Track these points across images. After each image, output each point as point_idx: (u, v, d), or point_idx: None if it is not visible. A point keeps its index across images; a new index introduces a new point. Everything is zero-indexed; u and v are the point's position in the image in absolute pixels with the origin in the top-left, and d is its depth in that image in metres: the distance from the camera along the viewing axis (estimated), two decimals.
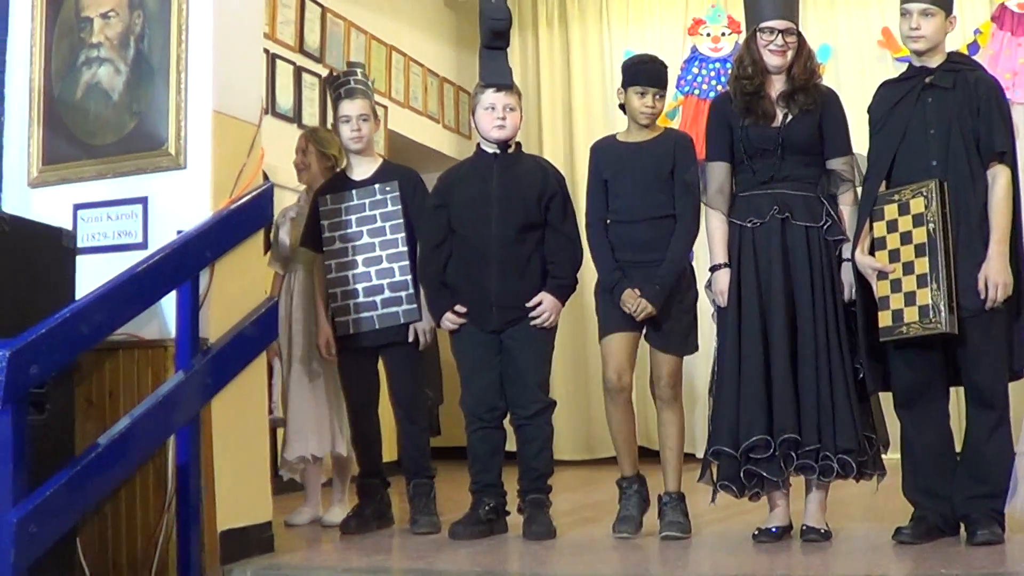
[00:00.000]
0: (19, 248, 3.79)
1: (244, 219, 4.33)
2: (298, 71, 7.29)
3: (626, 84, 4.99)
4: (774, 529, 4.41)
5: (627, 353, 4.83)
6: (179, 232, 4.10)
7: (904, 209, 4.20)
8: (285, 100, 7.14)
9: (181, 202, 4.24)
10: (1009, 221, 4.13)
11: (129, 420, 3.72)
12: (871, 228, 4.32)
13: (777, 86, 4.60)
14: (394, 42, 8.53)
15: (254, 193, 4.38)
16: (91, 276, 4.00)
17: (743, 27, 8.52)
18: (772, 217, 4.46)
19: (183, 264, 4.03)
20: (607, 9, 9.23)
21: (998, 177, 4.15)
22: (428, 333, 5.10)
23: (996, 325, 4.13)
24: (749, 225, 4.45)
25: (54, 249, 3.98)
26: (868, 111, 4.50)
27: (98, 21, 4.42)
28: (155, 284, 3.95)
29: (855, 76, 8.35)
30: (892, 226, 4.24)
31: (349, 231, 5.11)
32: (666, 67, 5.11)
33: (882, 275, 4.25)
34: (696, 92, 8.79)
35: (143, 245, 4.26)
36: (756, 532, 4.44)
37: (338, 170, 5.45)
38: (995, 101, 4.24)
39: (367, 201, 5.13)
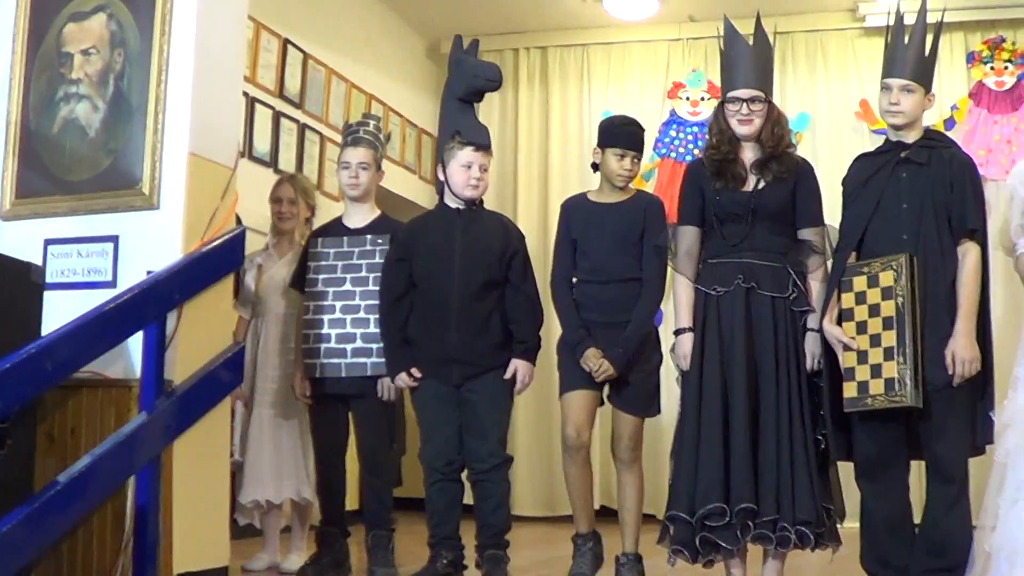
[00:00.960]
0: None
1: (215, 262, 4.32)
2: (277, 116, 7.29)
3: (604, 144, 5.03)
4: None
5: (587, 411, 4.87)
6: (149, 272, 4.09)
7: (873, 281, 4.17)
8: (263, 144, 7.14)
9: (152, 242, 4.24)
10: (977, 298, 4.13)
11: (90, 459, 3.70)
12: (839, 299, 4.29)
13: (749, 154, 4.54)
14: (374, 91, 8.55)
15: (226, 237, 4.38)
16: (59, 312, 3.98)
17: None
18: (738, 286, 4.38)
19: (151, 304, 4.02)
20: (588, 70, 9.25)
21: (968, 254, 4.14)
22: (391, 390, 5.09)
23: (960, 400, 4.11)
24: (714, 293, 4.37)
25: (22, 283, 3.96)
26: (842, 183, 4.49)
27: (78, 57, 4.43)
28: (122, 323, 3.94)
29: (832, 146, 8.44)
30: (860, 298, 4.21)
31: (333, 276, 5.12)
32: (643, 130, 5.17)
33: (848, 347, 4.21)
34: (673, 155, 8.84)
35: (112, 284, 4.26)
36: None
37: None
38: (968, 178, 4.24)
39: (356, 250, 5.15)
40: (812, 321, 4.41)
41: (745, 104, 4.49)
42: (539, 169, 9.35)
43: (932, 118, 8.12)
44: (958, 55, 8.42)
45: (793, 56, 8.81)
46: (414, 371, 4.85)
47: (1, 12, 4.69)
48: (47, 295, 4.09)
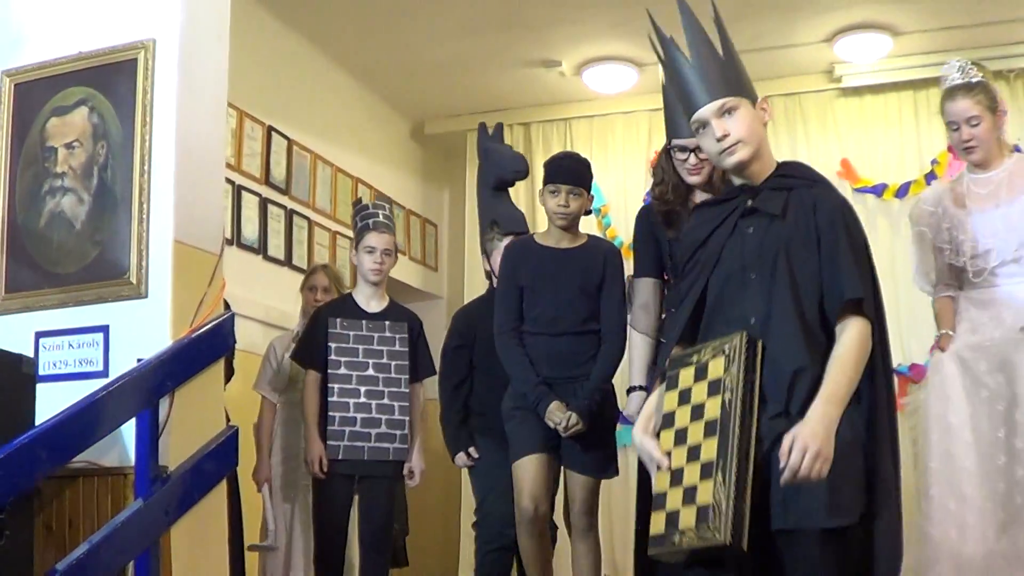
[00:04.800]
0: None
1: (204, 348, 4.34)
2: (264, 203, 7.35)
3: (544, 183, 4.76)
4: None
5: (544, 478, 4.55)
6: (139, 360, 4.11)
7: (701, 373, 3.04)
8: (250, 231, 7.19)
9: (142, 330, 4.25)
10: (851, 379, 2.95)
11: (87, 547, 3.69)
12: (662, 400, 3.18)
13: (701, 197, 4.25)
14: (360, 174, 8.62)
15: (215, 322, 4.39)
16: (51, 404, 3.97)
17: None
18: None
19: (142, 392, 4.03)
20: (571, 143, 9.26)
21: (845, 332, 3.01)
22: (421, 476, 5.18)
23: (828, 546, 2.89)
24: None
25: (14, 376, 3.97)
26: (685, 234, 3.63)
27: (62, 151, 4.47)
28: (115, 412, 3.95)
29: None
30: (685, 396, 3.08)
31: (356, 359, 5.25)
32: (587, 165, 4.81)
33: (660, 464, 3.10)
34: None
35: (104, 373, 4.27)
36: None
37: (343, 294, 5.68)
38: (843, 228, 3.13)
39: (376, 335, 5.29)
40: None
41: (692, 154, 4.20)
42: None
43: (913, 172, 8.21)
44: (935, 109, 8.46)
45: (773, 119, 8.84)
46: (472, 451, 4.95)
47: None
48: (40, 387, 4.10)
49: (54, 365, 4.35)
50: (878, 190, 8.21)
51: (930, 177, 8.10)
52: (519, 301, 4.72)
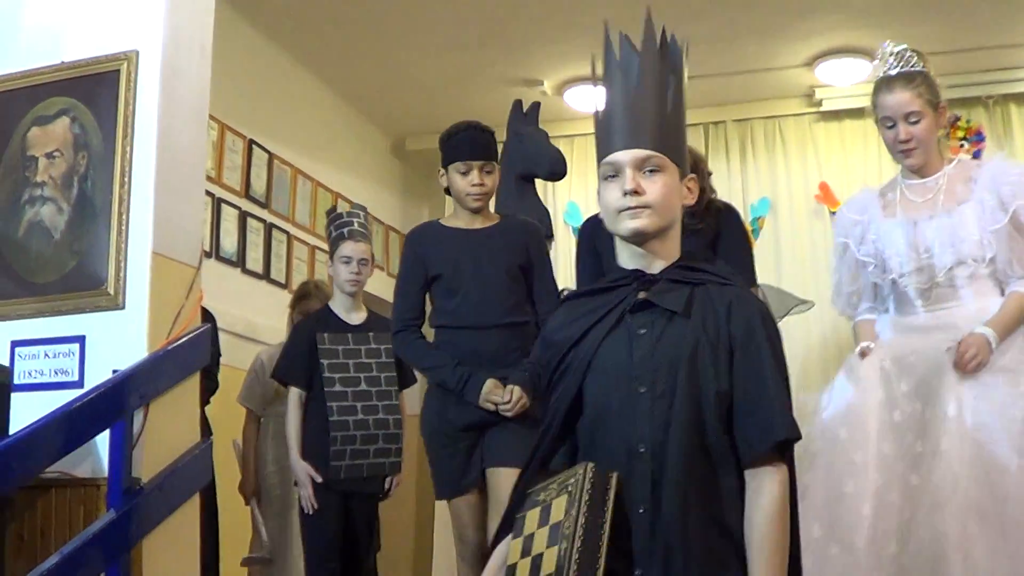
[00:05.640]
0: None
1: (180, 360, 4.34)
2: (243, 216, 7.34)
3: (445, 162, 4.31)
4: None
5: (482, 510, 4.16)
6: (115, 371, 4.11)
7: (544, 516, 2.43)
8: (229, 244, 7.18)
9: (118, 342, 4.25)
10: (784, 552, 2.37)
11: (58, 558, 3.69)
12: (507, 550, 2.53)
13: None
14: (340, 189, 8.61)
15: (191, 335, 4.40)
16: (26, 414, 3.97)
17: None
18: None
19: (117, 403, 4.02)
20: None
21: (765, 485, 2.38)
22: (395, 488, 5.17)
23: None
24: None
25: None
26: (543, 338, 2.83)
27: (43, 160, 4.47)
28: (88, 422, 3.95)
29: (793, 229, 8.54)
30: (527, 545, 2.44)
31: (348, 375, 5.14)
32: (492, 133, 4.37)
33: None
34: None
35: (79, 384, 4.26)
36: None
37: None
38: (766, 346, 2.47)
39: (362, 348, 5.19)
40: None
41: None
42: None
43: None
44: None
45: (752, 142, 8.92)
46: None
47: None
48: (14, 396, 4.10)
49: (29, 374, 4.34)
50: None
51: None
52: (423, 295, 4.28)
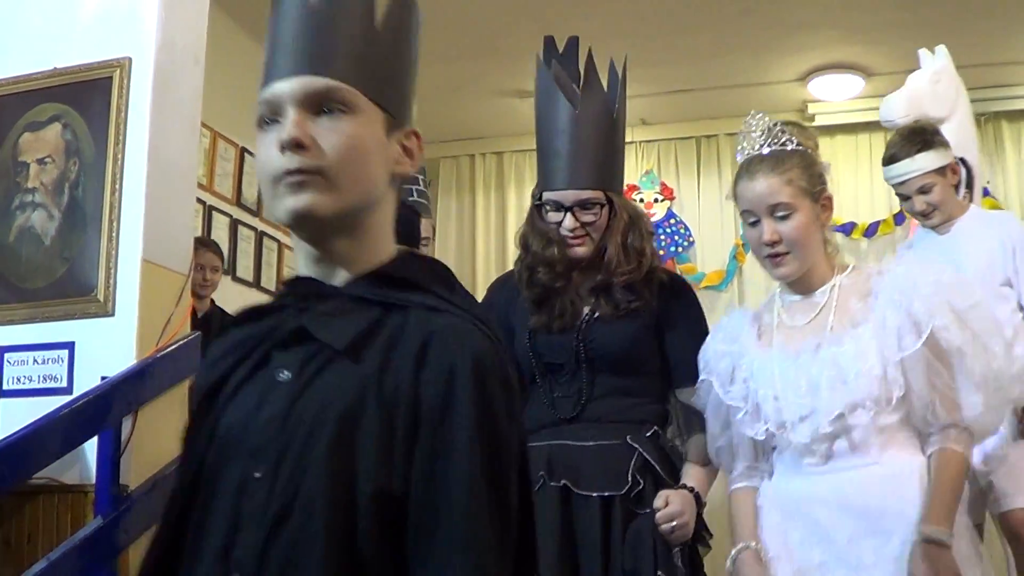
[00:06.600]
0: None
1: (169, 368, 4.33)
2: (234, 224, 7.32)
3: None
4: None
5: None
6: (104, 378, 4.11)
7: None
8: None
9: (107, 349, 4.25)
10: None
11: (45, 564, 3.68)
12: None
13: (589, 272, 3.12)
14: None
15: (180, 343, 4.39)
16: (14, 419, 3.97)
17: (675, 193, 8.76)
18: (544, 482, 2.88)
19: (105, 410, 4.02)
20: None
21: None
22: None
23: None
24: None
25: None
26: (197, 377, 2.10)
27: (34, 167, 4.47)
28: (77, 429, 3.94)
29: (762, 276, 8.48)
30: None
31: None
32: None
33: None
34: None
35: (68, 390, 4.25)
36: None
37: None
38: (470, 430, 1.49)
39: None
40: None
41: (570, 214, 3.06)
42: (497, 272, 9.37)
43: (882, 212, 8.28)
44: None
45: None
46: None
47: None
48: (3, 402, 4.10)
49: (18, 380, 4.34)
50: (847, 229, 8.24)
51: (899, 218, 8.13)
52: None
